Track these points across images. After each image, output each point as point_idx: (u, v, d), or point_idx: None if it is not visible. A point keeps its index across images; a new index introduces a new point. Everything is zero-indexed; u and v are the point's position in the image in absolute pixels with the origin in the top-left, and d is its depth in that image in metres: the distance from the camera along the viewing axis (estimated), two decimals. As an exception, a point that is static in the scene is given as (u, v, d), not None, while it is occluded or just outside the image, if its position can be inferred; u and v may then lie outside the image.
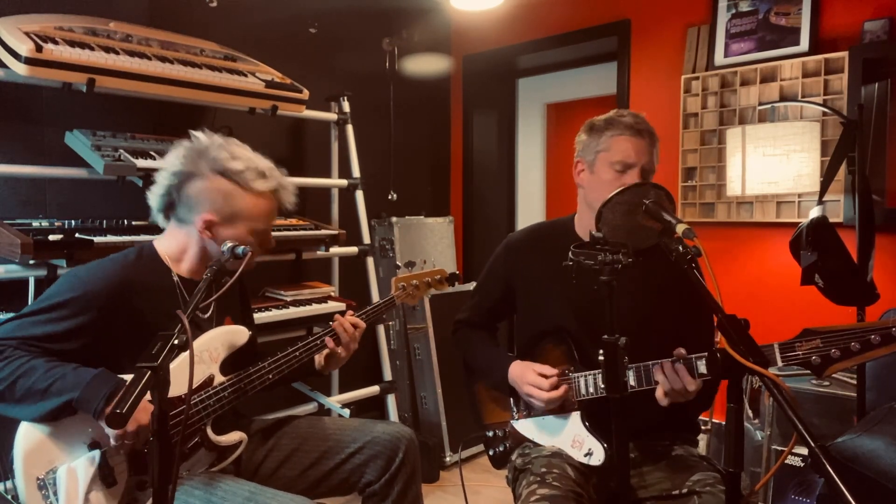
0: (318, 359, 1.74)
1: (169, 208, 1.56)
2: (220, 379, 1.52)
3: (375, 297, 3.07)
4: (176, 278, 1.54)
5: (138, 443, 1.35)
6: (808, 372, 1.21)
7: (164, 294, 1.51)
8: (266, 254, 1.58)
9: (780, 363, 1.21)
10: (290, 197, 1.63)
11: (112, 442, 1.34)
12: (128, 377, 1.09)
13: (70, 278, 1.44)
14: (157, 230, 1.68)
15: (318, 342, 1.67)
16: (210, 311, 1.60)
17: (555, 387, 1.56)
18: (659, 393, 1.41)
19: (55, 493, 1.31)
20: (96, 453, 1.34)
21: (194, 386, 1.46)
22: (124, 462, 1.38)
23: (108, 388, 1.30)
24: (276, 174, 1.59)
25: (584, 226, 1.69)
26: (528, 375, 1.60)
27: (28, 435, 1.33)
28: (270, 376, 1.59)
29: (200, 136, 1.55)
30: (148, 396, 1.06)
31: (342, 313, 1.71)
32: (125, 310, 1.43)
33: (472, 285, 3.55)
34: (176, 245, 1.57)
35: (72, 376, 1.32)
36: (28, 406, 1.31)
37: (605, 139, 1.60)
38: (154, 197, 1.56)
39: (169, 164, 1.53)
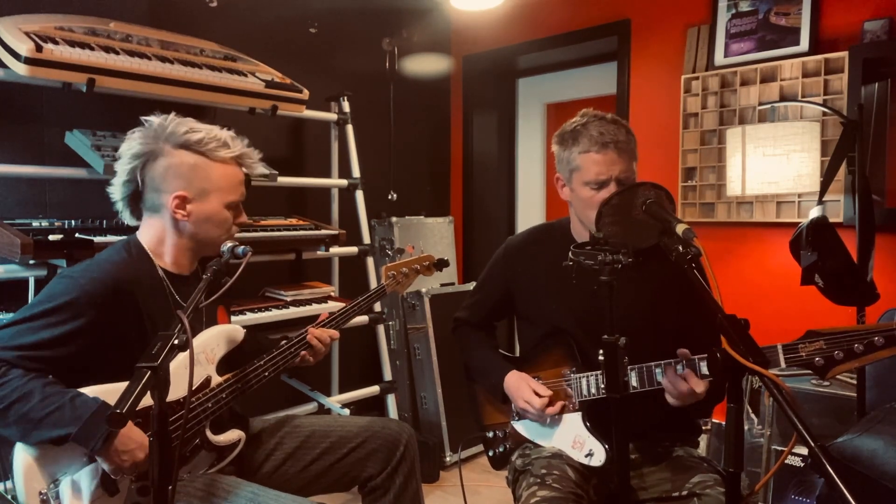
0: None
1: (134, 197, 1.51)
2: (216, 380, 1.50)
3: (375, 297, 3.08)
4: (161, 272, 1.50)
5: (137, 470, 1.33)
6: (809, 372, 1.20)
7: (153, 290, 1.47)
8: (241, 227, 1.52)
9: (783, 364, 1.21)
10: (255, 164, 1.58)
11: (111, 476, 1.31)
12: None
13: (65, 280, 1.39)
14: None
15: (300, 341, 1.67)
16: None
17: (546, 406, 1.57)
18: (669, 396, 1.41)
19: None
20: (98, 464, 1.31)
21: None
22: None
23: (106, 426, 1.25)
24: (237, 142, 1.54)
25: (578, 231, 1.70)
26: (523, 391, 1.62)
27: (26, 449, 1.30)
28: (267, 374, 1.58)
29: (153, 118, 1.49)
30: (149, 401, 1.06)
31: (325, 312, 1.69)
32: (121, 309, 1.40)
33: (471, 286, 3.55)
34: (153, 236, 1.51)
35: (69, 409, 1.27)
36: (22, 432, 1.27)
37: (574, 156, 1.57)
38: (117, 187, 1.50)
39: (127, 148, 1.47)
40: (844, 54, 2.52)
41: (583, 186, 1.57)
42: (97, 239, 1.99)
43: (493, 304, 1.85)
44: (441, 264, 2.12)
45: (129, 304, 1.41)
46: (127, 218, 1.55)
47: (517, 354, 1.81)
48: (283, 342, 1.65)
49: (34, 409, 1.26)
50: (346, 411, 2.69)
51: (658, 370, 1.43)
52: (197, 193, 1.47)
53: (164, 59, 2.26)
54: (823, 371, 1.17)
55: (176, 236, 1.51)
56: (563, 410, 1.59)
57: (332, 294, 2.88)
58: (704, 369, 1.36)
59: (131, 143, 1.47)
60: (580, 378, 1.58)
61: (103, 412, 1.28)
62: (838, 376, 2.31)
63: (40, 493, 1.29)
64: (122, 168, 1.48)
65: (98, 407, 1.29)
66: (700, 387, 1.35)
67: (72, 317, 1.34)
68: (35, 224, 2.09)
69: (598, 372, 1.54)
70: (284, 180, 2.70)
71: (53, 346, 1.33)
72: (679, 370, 1.39)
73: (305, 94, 2.70)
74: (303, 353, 1.67)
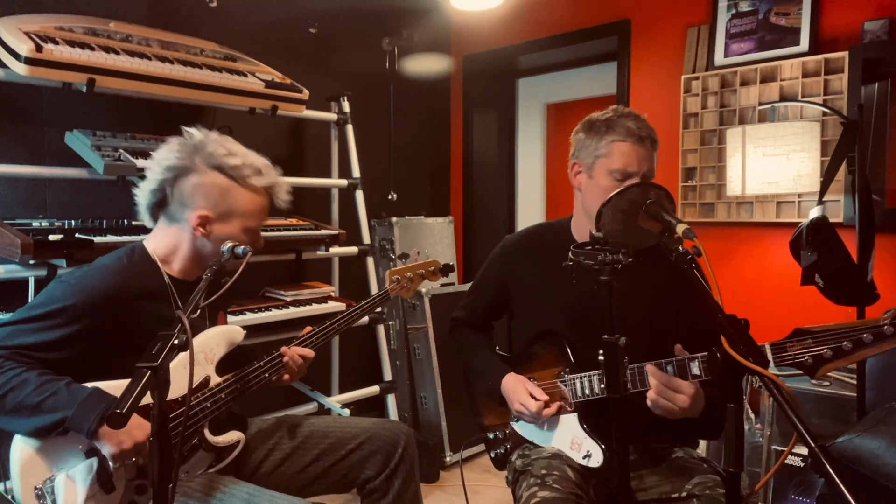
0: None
1: (159, 205, 1.52)
2: (216, 380, 1.50)
3: (375, 297, 3.08)
4: (167, 279, 1.51)
5: (139, 458, 1.33)
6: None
7: (157, 296, 1.48)
8: (256, 253, 1.54)
9: (772, 363, 1.19)
10: (283, 195, 1.62)
11: (110, 463, 1.31)
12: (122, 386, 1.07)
13: (63, 285, 1.39)
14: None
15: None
16: (199, 312, 1.58)
17: (542, 409, 1.56)
18: (652, 405, 1.39)
19: (54, 502, 1.29)
20: (94, 460, 1.32)
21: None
22: (122, 467, 1.36)
23: (101, 408, 1.27)
24: (271, 172, 1.58)
25: (581, 228, 1.68)
26: (519, 394, 1.61)
27: (24, 444, 1.31)
28: (266, 375, 1.59)
29: (194, 132, 1.51)
30: (147, 398, 1.06)
31: (302, 335, 1.69)
32: (119, 317, 1.40)
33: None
34: (166, 244, 1.53)
35: (65, 394, 1.28)
36: (18, 420, 1.28)
37: (605, 144, 1.55)
38: (144, 193, 1.51)
39: (162, 158, 1.48)
40: (844, 54, 2.52)
41: (606, 175, 1.55)
42: (97, 239, 1.99)
43: (490, 303, 1.85)
44: (447, 269, 2.13)
45: (126, 312, 1.41)
46: (145, 220, 1.55)
47: (511, 354, 1.80)
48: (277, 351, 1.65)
49: (30, 396, 1.27)
50: (346, 411, 2.69)
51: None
52: (220, 215, 1.49)
53: (164, 59, 2.26)
54: (812, 370, 1.15)
55: (190, 249, 1.53)
56: (559, 411, 1.59)
57: (332, 294, 2.88)
58: (696, 370, 1.36)
59: (167, 154, 1.48)
60: (575, 379, 1.57)
61: (98, 395, 1.30)
62: (838, 376, 2.32)
63: (35, 488, 1.29)
64: (153, 176, 1.49)
65: (92, 390, 1.31)
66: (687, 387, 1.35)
67: (67, 322, 1.35)
68: (35, 224, 2.09)
69: (592, 373, 1.54)
70: (284, 180, 2.69)
71: (48, 349, 1.34)
72: (669, 371, 1.39)
73: (305, 94, 2.70)
74: (284, 375, 1.64)
